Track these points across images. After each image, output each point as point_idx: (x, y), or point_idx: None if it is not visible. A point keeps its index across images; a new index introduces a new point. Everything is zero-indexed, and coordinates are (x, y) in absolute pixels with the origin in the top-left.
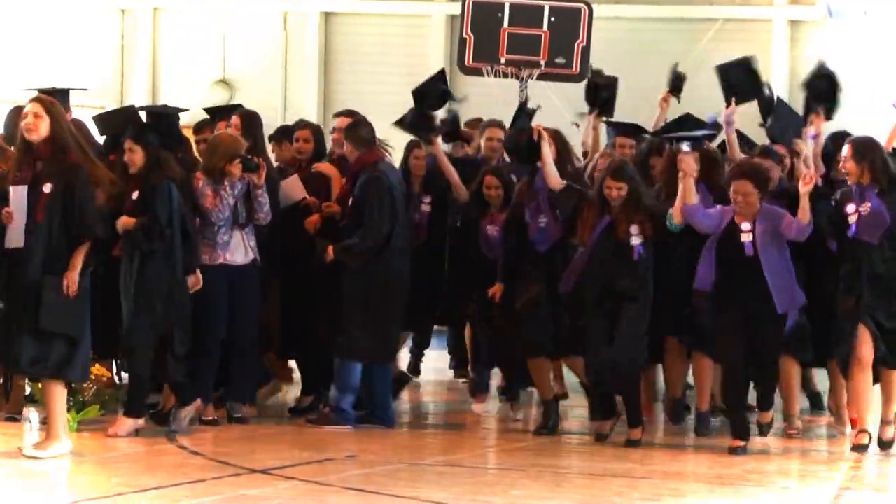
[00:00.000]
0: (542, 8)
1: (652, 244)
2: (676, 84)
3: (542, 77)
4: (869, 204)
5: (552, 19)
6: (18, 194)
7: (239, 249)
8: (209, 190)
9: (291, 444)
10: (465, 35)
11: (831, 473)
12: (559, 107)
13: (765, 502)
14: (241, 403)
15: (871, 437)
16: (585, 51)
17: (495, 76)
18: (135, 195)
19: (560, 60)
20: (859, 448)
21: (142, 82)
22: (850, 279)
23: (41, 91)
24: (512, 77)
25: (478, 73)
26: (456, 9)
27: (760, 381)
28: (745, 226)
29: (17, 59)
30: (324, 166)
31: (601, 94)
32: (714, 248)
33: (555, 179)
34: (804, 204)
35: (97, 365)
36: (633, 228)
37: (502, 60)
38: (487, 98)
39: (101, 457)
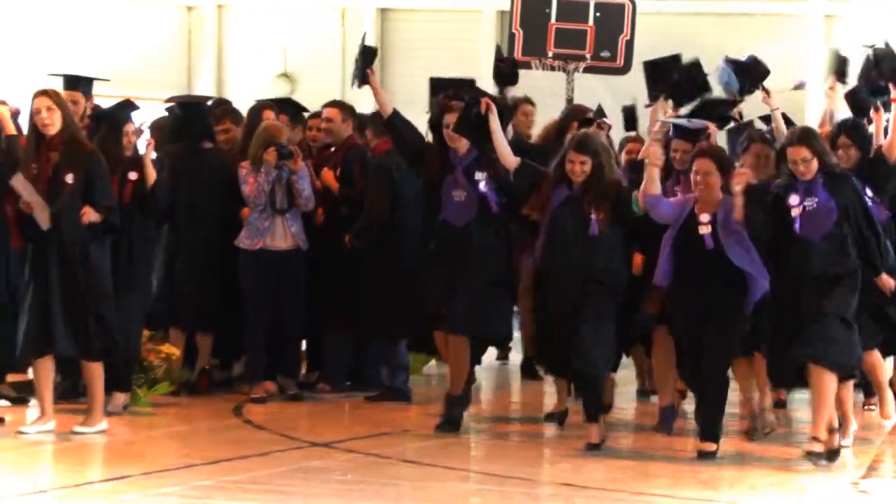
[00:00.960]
0: (587, 4)
1: (616, 225)
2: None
3: (587, 70)
4: (816, 199)
5: (597, 14)
6: (21, 182)
7: (279, 235)
8: (251, 177)
9: (350, 419)
10: (514, 30)
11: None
12: (604, 99)
13: (772, 483)
14: (293, 380)
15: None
16: (629, 44)
17: (543, 69)
18: (133, 175)
19: (605, 54)
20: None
21: (208, 76)
22: (787, 278)
23: (65, 77)
24: (559, 70)
25: (526, 66)
26: (505, 5)
27: (704, 389)
28: (705, 217)
29: (88, 55)
30: (328, 178)
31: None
32: (672, 240)
33: (509, 157)
34: (737, 201)
35: (167, 344)
36: (594, 209)
37: (550, 54)
38: (535, 91)
39: (171, 430)
